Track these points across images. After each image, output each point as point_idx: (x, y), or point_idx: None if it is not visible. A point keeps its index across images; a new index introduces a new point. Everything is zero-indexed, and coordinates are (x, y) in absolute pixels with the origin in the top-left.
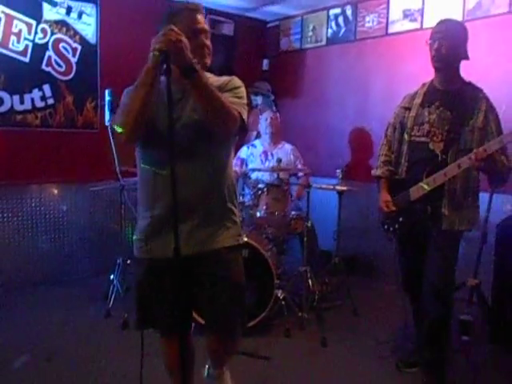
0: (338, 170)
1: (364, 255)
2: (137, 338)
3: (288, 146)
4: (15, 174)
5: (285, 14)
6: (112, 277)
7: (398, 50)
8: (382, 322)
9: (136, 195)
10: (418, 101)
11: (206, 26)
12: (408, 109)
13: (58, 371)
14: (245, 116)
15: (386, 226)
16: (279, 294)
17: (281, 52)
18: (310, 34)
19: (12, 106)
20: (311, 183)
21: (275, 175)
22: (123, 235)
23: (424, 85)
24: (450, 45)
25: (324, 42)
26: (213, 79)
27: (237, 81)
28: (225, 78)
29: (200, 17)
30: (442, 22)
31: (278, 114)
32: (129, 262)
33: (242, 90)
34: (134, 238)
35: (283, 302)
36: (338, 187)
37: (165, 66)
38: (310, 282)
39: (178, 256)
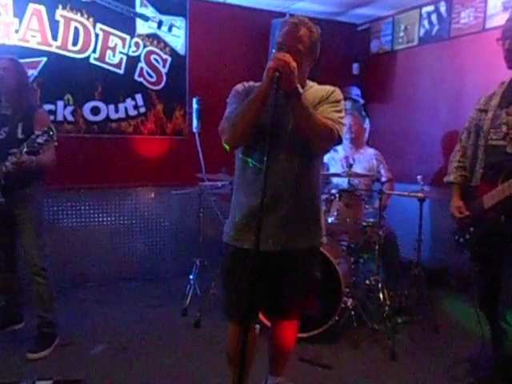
0: (419, 176)
1: (456, 268)
2: (208, 336)
3: (371, 151)
4: (112, 178)
5: (375, 15)
6: (191, 277)
7: (497, 45)
8: (465, 340)
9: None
10: (495, 102)
11: (307, 41)
12: (484, 111)
13: (130, 362)
14: (341, 132)
15: (456, 237)
16: (349, 304)
17: (371, 55)
18: (402, 34)
19: (108, 115)
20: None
21: (352, 181)
22: (201, 238)
23: (502, 84)
24: None
25: (416, 42)
26: (315, 88)
27: (338, 93)
28: (327, 89)
29: (302, 32)
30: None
31: (360, 119)
32: (206, 263)
33: (342, 104)
34: (226, 225)
35: (353, 312)
36: (419, 194)
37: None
38: (382, 293)
39: (258, 248)
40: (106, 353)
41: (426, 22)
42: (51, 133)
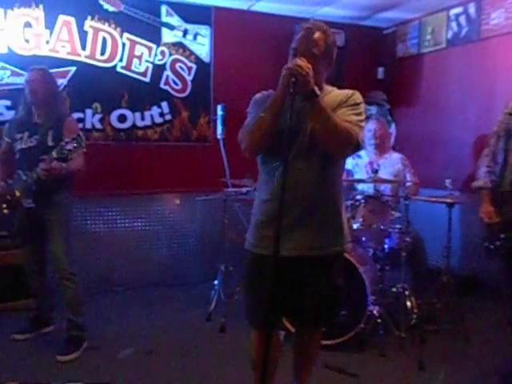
0: (447, 181)
1: (487, 276)
2: (232, 341)
3: (396, 156)
4: (138, 184)
5: (401, 18)
6: (215, 283)
7: None
8: (496, 351)
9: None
10: None
11: (323, 45)
12: None
13: (156, 366)
14: (360, 136)
15: (486, 243)
16: (375, 311)
17: (397, 59)
18: (429, 37)
19: (134, 123)
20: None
21: (378, 187)
22: (226, 243)
23: None
24: None
25: (444, 45)
26: (334, 92)
27: (358, 96)
28: (347, 92)
29: (317, 36)
30: None
31: (386, 124)
32: (231, 269)
33: (362, 107)
34: (248, 231)
35: (379, 320)
36: (448, 199)
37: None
38: (409, 301)
39: (277, 254)
40: (132, 357)
41: (454, 24)
42: (80, 140)
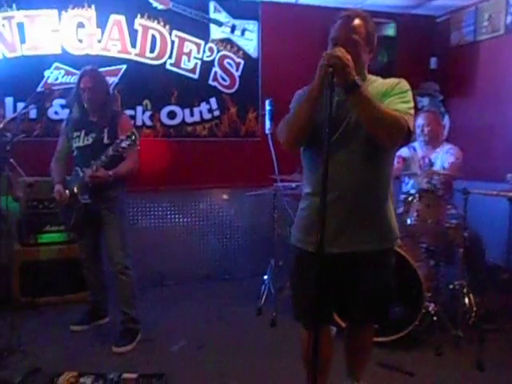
0: (509, 175)
1: None
2: (283, 335)
3: (447, 147)
4: (187, 180)
5: (455, 5)
6: (265, 277)
7: None
8: None
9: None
10: None
11: (363, 31)
12: None
13: (208, 359)
14: (411, 124)
15: None
16: (430, 309)
17: (451, 47)
18: (486, 24)
19: (183, 119)
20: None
21: (431, 180)
22: (276, 238)
23: None
24: None
25: (502, 31)
26: (379, 81)
27: (405, 84)
28: (392, 81)
29: (357, 23)
30: None
31: (439, 115)
32: (280, 263)
33: (410, 94)
34: (293, 225)
35: (435, 318)
36: (510, 193)
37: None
38: (467, 299)
39: (322, 250)
40: (185, 349)
41: None
42: (134, 137)
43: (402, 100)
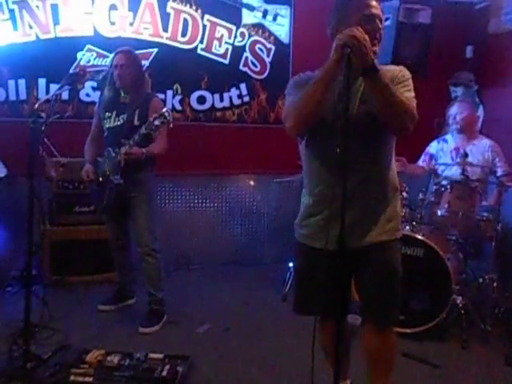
0: None
1: None
2: (308, 323)
3: (486, 142)
4: (215, 165)
5: None
6: (291, 264)
7: None
8: None
9: None
10: None
11: (379, 12)
12: None
13: (232, 342)
14: (415, 112)
15: None
16: (458, 301)
17: (489, 36)
18: None
19: (213, 104)
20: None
21: (466, 172)
22: None
23: None
24: None
25: None
26: (385, 68)
27: (407, 72)
28: (395, 69)
29: (374, 3)
30: None
31: (473, 106)
32: None
33: (411, 82)
34: (296, 221)
35: (463, 311)
36: None
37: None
38: (496, 293)
39: (342, 247)
40: (210, 332)
41: None
42: (167, 115)
43: (407, 88)
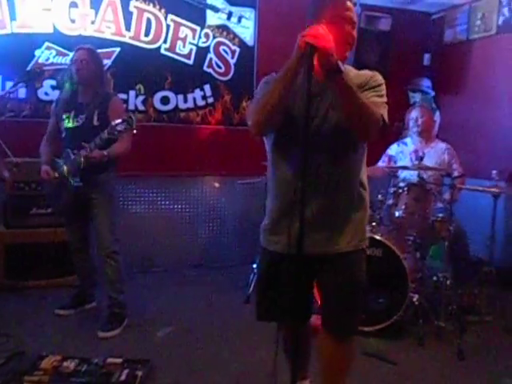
0: (494, 171)
1: None
2: (271, 324)
3: (442, 145)
4: (179, 166)
5: (450, 3)
6: (254, 266)
7: None
8: None
9: None
10: None
11: (354, 16)
12: None
13: (194, 345)
14: (386, 117)
15: None
16: (414, 299)
17: (444, 45)
18: (478, 22)
19: (177, 105)
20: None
21: (422, 175)
22: None
23: None
24: None
25: (494, 31)
26: (353, 73)
27: (379, 77)
28: (367, 74)
29: (349, 4)
30: None
31: (431, 111)
32: None
33: (384, 88)
34: (262, 225)
35: (418, 309)
36: (494, 189)
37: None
38: (450, 290)
39: (300, 253)
40: (171, 335)
41: (506, 10)
42: (131, 121)
43: (378, 94)
